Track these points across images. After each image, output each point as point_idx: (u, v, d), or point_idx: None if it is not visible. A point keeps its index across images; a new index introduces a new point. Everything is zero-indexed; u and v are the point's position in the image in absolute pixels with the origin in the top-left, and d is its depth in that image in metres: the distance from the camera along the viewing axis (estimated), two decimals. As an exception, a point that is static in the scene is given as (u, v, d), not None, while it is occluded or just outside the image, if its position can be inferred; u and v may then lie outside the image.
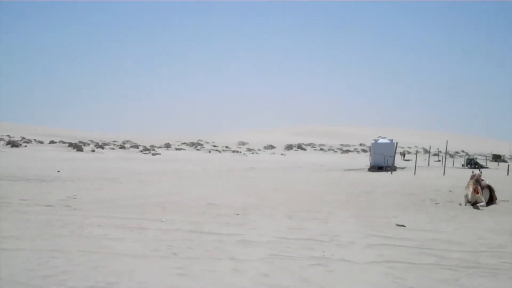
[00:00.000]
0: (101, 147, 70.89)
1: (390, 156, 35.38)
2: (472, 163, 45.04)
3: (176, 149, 80.00)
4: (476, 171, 16.12)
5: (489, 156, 72.05)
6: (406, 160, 60.06)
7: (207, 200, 15.41)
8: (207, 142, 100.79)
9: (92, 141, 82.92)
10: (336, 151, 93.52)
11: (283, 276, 6.89)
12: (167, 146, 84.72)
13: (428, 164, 44.28)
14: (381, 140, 37.37)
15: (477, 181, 15.27)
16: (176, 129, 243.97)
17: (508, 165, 36.89)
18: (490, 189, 16.07)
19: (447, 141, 36.81)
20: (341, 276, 6.93)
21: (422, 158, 59.98)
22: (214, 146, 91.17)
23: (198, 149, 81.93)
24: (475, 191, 15.20)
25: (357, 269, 7.35)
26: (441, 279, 6.88)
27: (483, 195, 15.60)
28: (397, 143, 37.45)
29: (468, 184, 15.68)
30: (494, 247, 9.12)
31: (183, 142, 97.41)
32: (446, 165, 37.38)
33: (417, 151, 53.72)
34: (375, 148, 36.77)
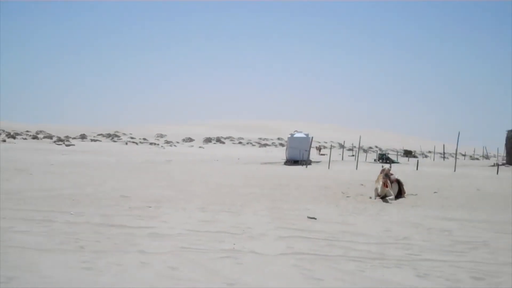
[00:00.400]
0: (13, 137, 68.11)
1: (306, 150, 36.00)
2: (383, 158, 46.60)
3: (92, 140, 78.03)
4: (386, 166, 16.64)
5: (400, 152, 74.78)
6: (321, 155, 61.32)
7: (120, 192, 15.08)
8: (124, 134, 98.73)
9: (3, 131, 79.37)
10: (254, 145, 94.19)
11: (191, 269, 6.82)
12: (83, 137, 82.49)
13: (342, 159, 45.41)
14: (297, 135, 37.96)
15: (386, 175, 15.76)
16: (94, 120, 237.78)
17: (418, 160, 38.49)
18: (399, 183, 16.63)
19: (360, 136, 37.84)
20: (250, 268, 6.94)
21: (337, 153, 61.43)
22: (132, 138, 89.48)
23: (114, 141, 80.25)
24: (385, 185, 15.68)
25: (266, 261, 7.38)
26: (347, 270, 7.02)
27: (392, 189, 16.12)
28: (312, 138, 38.17)
29: (378, 178, 16.17)
30: (400, 239, 9.41)
31: (100, 133, 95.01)
32: (359, 159, 38.43)
33: (331, 146, 54.98)
34: (291, 142, 37.32)
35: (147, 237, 8.77)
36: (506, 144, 44.90)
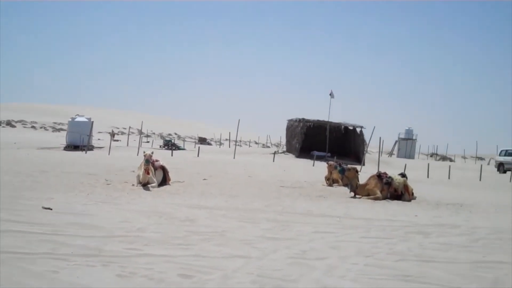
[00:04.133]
0: None
1: (87, 135, 34.12)
2: (169, 144, 46.20)
3: None
4: (149, 152, 15.71)
5: (188, 139, 75.39)
6: (115, 140, 59.30)
7: None
8: None
9: None
10: (47, 129, 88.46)
11: None
12: None
13: (127, 145, 43.91)
14: (78, 119, 35.95)
15: (147, 161, 14.87)
16: None
17: (199, 147, 38.69)
18: (163, 170, 15.88)
19: (142, 122, 36.87)
20: None
21: (132, 139, 59.78)
22: None
23: None
24: (147, 171, 14.81)
25: None
26: (36, 272, 5.87)
27: (156, 176, 15.32)
28: (93, 122, 36.20)
29: (140, 165, 15.25)
30: (133, 231, 8.48)
31: None
32: (145, 146, 37.39)
33: (130, 132, 53.22)
34: (71, 126, 35.31)
35: None
36: (287, 134, 47.16)
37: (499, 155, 42.75)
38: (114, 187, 14.58)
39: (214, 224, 9.46)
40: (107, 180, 15.84)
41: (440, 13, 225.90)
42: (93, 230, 8.37)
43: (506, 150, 41.64)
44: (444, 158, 71.25)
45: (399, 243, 8.46)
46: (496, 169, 41.93)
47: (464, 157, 75.36)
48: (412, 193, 15.93)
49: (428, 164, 34.47)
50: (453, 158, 72.01)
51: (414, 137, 63.53)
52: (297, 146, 44.12)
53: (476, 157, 70.68)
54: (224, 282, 5.81)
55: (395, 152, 66.26)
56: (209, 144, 71.02)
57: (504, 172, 39.59)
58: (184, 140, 62.54)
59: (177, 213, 10.55)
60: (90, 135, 34.88)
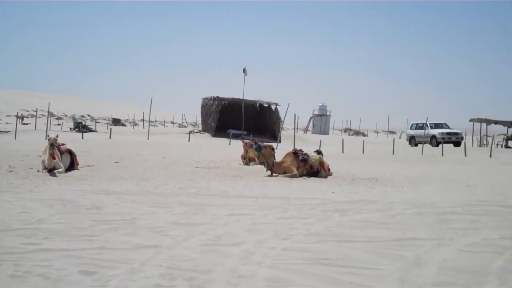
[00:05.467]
0: None
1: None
2: (80, 126, 44.58)
3: None
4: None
5: (101, 120, 73.24)
6: (24, 124, 56.76)
7: None
8: None
9: None
10: None
11: None
12: None
13: (35, 128, 41.85)
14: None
15: (52, 145, 13.93)
16: None
17: (111, 129, 37.45)
18: (71, 153, 14.99)
19: (49, 103, 35.25)
20: None
21: (43, 122, 57.27)
22: None
23: None
24: (52, 156, 13.89)
25: None
26: None
27: (63, 161, 14.43)
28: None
29: (45, 149, 14.29)
30: (32, 222, 7.77)
31: None
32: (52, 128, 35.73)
33: (38, 115, 50.77)
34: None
35: None
36: (202, 112, 46.53)
37: (410, 128, 44.02)
38: (17, 174, 13.62)
39: (122, 211, 8.86)
40: (10, 167, 14.78)
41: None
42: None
43: (417, 124, 42.90)
44: (357, 133, 72.96)
45: (316, 223, 8.20)
46: (407, 142, 43.17)
47: (376, 132, 77.54)
48: (329, 169, 15.88)
49: (343, 140, 34.91)
50: (366, 133, 73.90)
51: (328, 113, 64.41)
52: (212, 125, 43.65)
53: (388, 131, 72.79)
54: (129, 278, 5.29)
55: (310, 128, 67.02)
56: (123, 125, 69.33)
57: (416, 145, 40.78)
58: (96, 122, 60.48)
59: (83, 200, 9.84)
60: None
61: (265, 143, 16.58)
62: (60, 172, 13.87)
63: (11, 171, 14.09)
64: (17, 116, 66.39)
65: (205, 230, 7.47)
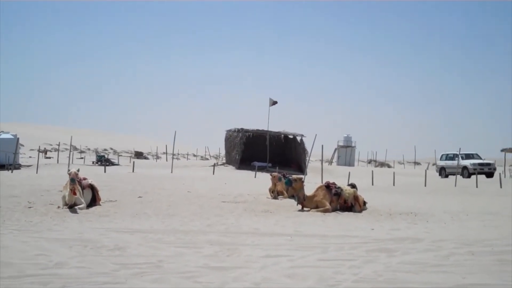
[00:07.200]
0: None
1: (13, 153, 31.92)
2: (102, 160, 44.17)
3: None
4: (74, 170, 14.06)
5: (124, 153, 73.10)
6: (48, 158, 56.66)
7: None
8: None
9: None
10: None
11: None
12: None
13: (58, 162, 41.68)
14: (2, 136, 33.73)
15: (73, 180, 13.29)
16: None
17: (134, 162, 36.95)
18: (93, 188, 14.33)
19: (71, 136, 34.91)
20: None
21: (66, 156, 57.17)
22: None
23: None
24: (73, 191, 13.25)
25: None
26: None
27: (85, 196, 13.78)
28: (18, 139, 33.98)
29: (66, 184, 13.67)
30: (49, 267, 7.04)
31: None
32: (76, 162, 35.40)
33: (60, 149, 50.73)
34: (-5, 144, 33.00)
35: None
36: (225, 145, 45.94)
37: (440, 159, 42.79)
38: (36, 210, 12.97)
39: (147, 253, 8.09)
40: (29, 203, 14.16)
41: (374, 17, 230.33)
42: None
43: (447, 154, 41.71)
44: (382, 164, 71.71)
45: (363, 266, 7.35)
46: (437, 173, 41.93)
47: (402, 163, 76.21)
48: (365, 203, 15.01)
49: (372, 171, 33.94)
50: (391, 164, 72.61)
51: (353, 144, 63.46)
52: (237, 157, 42.91)
53: (415, 162, 71.46)
54: None
55: (335, 160, 66.05)
56: (146, 158, 69.06)
57: (446, 176, 39.56)
58: (119, 155, 60.20)
59: (105, 239, 9.11)
60: (16, 153, 32.67)
61: (294, 176, 15.79)
62: (81, 208, 13.21)
63: (30, 207, 13.46)
64: (39, 150, 66.73)
65: (241, 275, 6.67)
